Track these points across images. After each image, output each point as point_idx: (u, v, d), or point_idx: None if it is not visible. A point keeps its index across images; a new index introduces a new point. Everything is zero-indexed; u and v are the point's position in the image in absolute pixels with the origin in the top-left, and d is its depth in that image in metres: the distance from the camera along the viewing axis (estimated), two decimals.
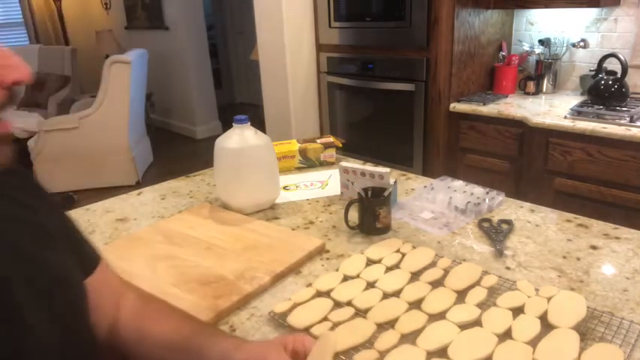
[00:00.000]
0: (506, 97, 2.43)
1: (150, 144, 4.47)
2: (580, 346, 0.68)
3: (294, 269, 0.95)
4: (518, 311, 0.77)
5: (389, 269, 0.91)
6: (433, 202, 1.22)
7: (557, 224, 1.09)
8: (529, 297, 0.80)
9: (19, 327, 0.51)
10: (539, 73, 2.46)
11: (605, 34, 2.31)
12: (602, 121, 1.90)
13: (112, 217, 1.23)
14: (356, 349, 0.71)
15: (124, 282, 0.75)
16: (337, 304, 0.82)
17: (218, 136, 1.21)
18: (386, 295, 0.83)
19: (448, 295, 0.82)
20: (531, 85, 2.44)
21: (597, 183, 1.90)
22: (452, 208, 1.18)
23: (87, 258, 0.69)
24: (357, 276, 0.89)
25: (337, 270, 0.92)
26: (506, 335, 0.72)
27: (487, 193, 1.22)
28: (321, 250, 1.01)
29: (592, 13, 2.32)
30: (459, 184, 1.30)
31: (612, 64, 2.06)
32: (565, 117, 1.97)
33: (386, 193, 1.06)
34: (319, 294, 0.85)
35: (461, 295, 0.82)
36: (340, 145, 1.58)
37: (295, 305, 0.81)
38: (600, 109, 1.98)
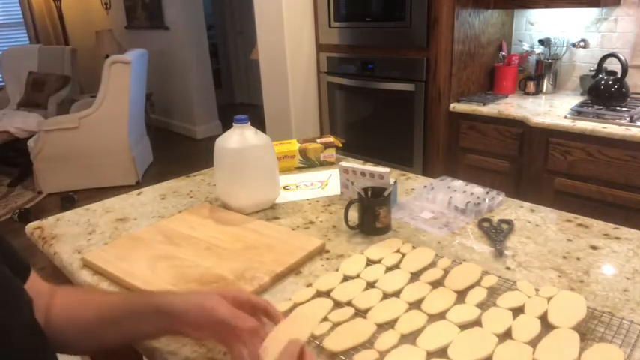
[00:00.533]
0: (506, 97, 2.43)
1: (150, 144, 4.47)
2: (580, 346, 0.68)
3: (295, 269, 0.95)
4: (518, 311, 0.77)
5: (389, 269, 0.91)
6: (433, 202, 1.22)
7: (557, 224, 1.09)
8: (529, 297, 0.80)
9: None
10: (539, 73, 2.46)
11: (605, 34, 2.31)
12: (602, 121, 1.90)
13: (112, 217, 1.23)
14: (356, 349, 0.71)
15: (52, 286, 0.75)
16: (337, 304, 0.82)
17: (218, 136, 1.21)
18: (386, 295, 0.83)
19: (448, 295, 0.82)
20: (531, 85, 2.44)
21: (597, 183, 1.90)
22: (452, 208, 1.18)
23: (19, 266, 0.69)
24: (357, 276, 0.89)
25: (337, 270, 0.92)
26: (506, 335, 0.72)
27: (487, 193, 1.22)
28: (321, 250, 1.01)
29: (592, 13, 2.32)
30: (459, 184, 1.30)
31: (612, 64, 2.06)
32: (565, 117, 1.97)
33: (386, 193, 1.06)
34: (319, 294, 0.85)
35: (461, 295, 0.82)
36: (340, 145, 1.58)
37: (295, 305, 0.81)
38: (600, 109, 1.98)
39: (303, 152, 1.54)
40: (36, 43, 5.54)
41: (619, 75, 2.02)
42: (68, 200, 3.53)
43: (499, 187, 1.28)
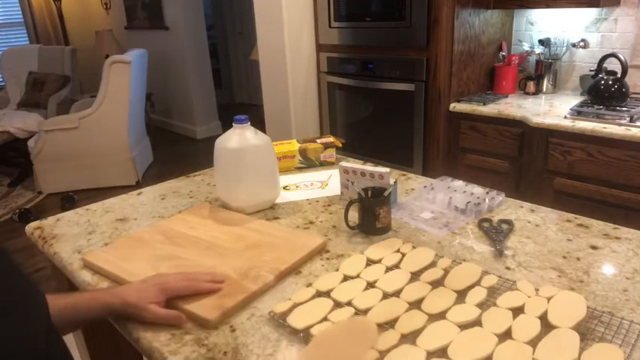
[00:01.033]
0: (506, 97, 2.43)
1: (150, 144, 4.47)
2: (580, 346, 0.68)
3: (298, 267, 0.95)
4: (518, 311, 0.77)
5: (389, 269, 0.91)
6: (433, 202, 1.22)
7: (557, 224, 1.09)
8: (529, 297, 0.80)
9: None
10: (539, 73, 2.46)
11: (605, 34, 2.31)
12: (602, 121, 1.90)
13: (112, 217, 1.23)
14: None
15: None
16: (337, 304, 0.82)
17: (218, 136, 1.21)
18: (386, 295, 0.83)
19: (448, 295, 0.82)
20: (531, 85, 2.44)
21: (597, 183, 1.90)
22: (452, 208, 1.18)
23: None
24: (357, 276, 0.89)
25: (337, 270, 0.92)
26: (506, 335, 0.72)
27: (487, 193, 1.22)
28: (322, 249, 1.02)
29: (592, 13, 2.32)
30: (459, 184, 1.30)
31: (612, 64, 2.06)
32: (565, 117, 1.97)
33: (386, 193, 1.06)
34: (319, 294, 0.85)
35: (461, 295, 0.82)
36: (340, 145, 1.58)
37: (295, 305, 0.81)
38: (600, 109, 1.98)
39: (303, 152, 1.54)
40: (36, 43, 5.54)
41: (619, 75, 2.02)
42: (68, 200, 3.53)
43: (499, 187, 1.28)
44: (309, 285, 0.88)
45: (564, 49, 2.43)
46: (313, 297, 0.84)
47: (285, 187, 1.38)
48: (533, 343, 0.70)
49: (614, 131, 1.80)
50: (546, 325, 0.73)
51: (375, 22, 2.45)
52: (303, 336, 0.75)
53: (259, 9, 2.79)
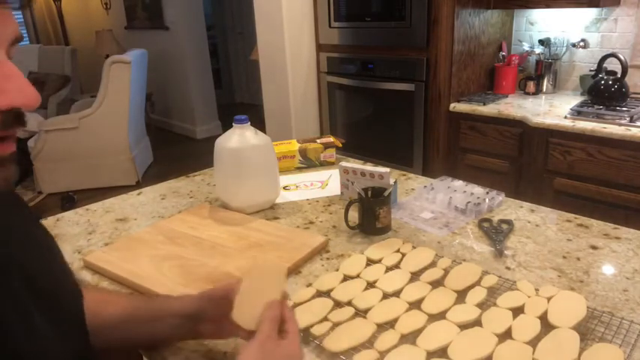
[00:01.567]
0: (506, 97, 2.43)
1: (150, 144, 4.47)
2: (580, 346, 0.68)
3: (300, 266, 0.95)
4: (518, 311, 0.77)
5: (389, 269, 0.91)
6: (433, 202, 1.22)
7: (557, 224, 1.09)
8: (529, 297, 0.80)
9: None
10: (539, 73, 2.46)
11: (605, 34, 2.31)
12: (602, 121, 1.90)
13: (112, 217, 1.23)
14: (356, 349, 0.71)
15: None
16: (337, 304, 0.82)
17: (218, 136, 1.21)
18: (386, 295, 0.83)
19: (448, 295, 0.82)
20: (531, 85, 2.44)
21: (597, 183, 1.90)
22: (452, 208, 1.18)
23: None
24: (357, 276, 0.89)
25: (337, 270, 0.92)
26: (506, 335, 0.72)
27: (487, 193, 1.22)
28: (323, 248, 1.02)
29: (592, 13, 2.32)
30: (459, 184, 1.30)
31: (612, 64, 2.06)
32: (565, 117, 1.97)
33: (386, 193, 1.07)
34: (319, 294, 0.85)
35: (461, 295, 0.82)
36: (340, 145, 1.58)
37: (295, 305, 0.81)
38: (600, 109, 1.98)
39: (303, 152, 1.54)
40: (36, 43, 5.54)
41: (619, 75, 2.02)
42: (68, 200, 3.53)
43: (499, 187, 1.28)
44: (309, 285, 0.88)
45: (564, 49, 2.43)
46: (313, 297, 0.84)
47: (285, 187, 1.38)
48: (533, 343, 0.70)
49: (614, 131, 1.80)
50: (546, 325, 0.73)
51: (375, 22, 2.45)
52: (303, 336, 0.75)
53: (259, 9, 2.79)
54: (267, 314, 0.60)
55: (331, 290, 0.85)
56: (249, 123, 1.18)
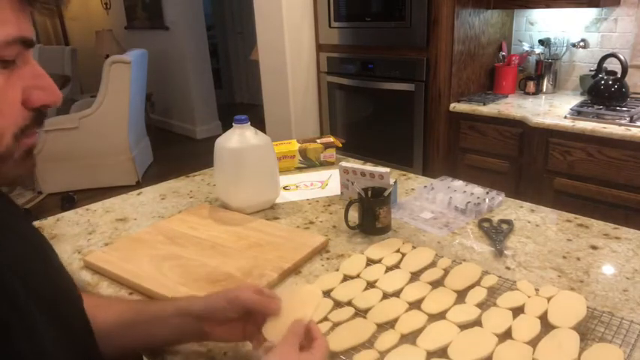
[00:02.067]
0: (506, 97, 2.43)
1: (150, 144, 4.47)
2: (580, 346, 0.68)
3: (300, 265, 0.95)
4: (518, 311, 0.77)
5: (389, 269, 0.91)
6: (433, 202, 1.22)
7: (557, 224, 1.09)
8: (529, 297, 0.80)
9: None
10: (539, 73, 2.46)
11: (605, 34, 2.31)
12: (602, 121, 1.90)
13: (112, 217, 1.23)
14: (356, 349, 0.71)
15: None
16: (337, 304, 0.82)
17: (218, 136, 1.21)
18: (386, 295, 0.83)
19: (448, 295, 0.82)
20: (531, 85, 2.44)
21: (597, 183, 1.90)
22: (452, 208, 1.18)
23: None
24: (357, 276, 0.89)
25: (337, 270, 0.92)
26: (506, 335, 0.72)
27: (487, 193, 1.22)
28: (323, 247, 1.02)
29: (592, 13, 2.32)
30: (459, 184, 1.30)
31: (612, 64, 2.06)
32: (565, 117, 1.97)
33: (386, 193, 1.07)
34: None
35: (461, 295, 0.82)
36: (340, 145, 1.58)
37: None
38: (600, 109, 1.98)
39: (303, 152, 1.54)
40: (36, 43, 5.53)
41: (619, 75, 2.02)
42: (68, 200, 3.53)
43: (499, 187, 1.28)
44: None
45: (564, 49, 2.43)
46: None
47: (285, 187, 1.38)
48: (533, 343, 0.70)
49: (614, 131, 1.80)
50: (546, 325, 0.73)
51: (375, 22, 2.45)
52: None
53: (259, 9, 2.79)
54: (292, 328, 0.61)
55: (331, 290, 0.85)
56: (249, 123, 1.18)
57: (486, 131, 2.22)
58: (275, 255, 0.97)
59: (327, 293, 0.85)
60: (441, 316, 0.77)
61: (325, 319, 0.78)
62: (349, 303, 0.82)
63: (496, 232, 1.05)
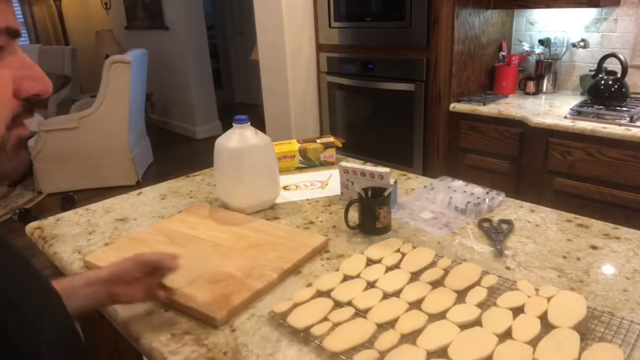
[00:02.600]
0: (506, 97, 2.43)
1: (150, 144, 4.47)
2: (580, 346, 0.68)
3: (300, 265, 0.95)
4: (518, 311, 0.77)
5: (389, 269, 0.91)
6: (433, 202, 1.22)
7: (557, 224, 1.09)
8: (529, 297, 0.80)
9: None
10: (539, 73, 2.46)
11: (605, 34, 2.31)
12: (602, 121, 1.90)
13: (112, 217, 1.23)
14: (356, 349, 0.71)
15: None
16: (337, 304, 0.82)
17: (218, 136, 1.21)
18: (386, 295, 0.83)
19: (448, 295, 0.82)
20: (531, 85, 2.44)
21: (597, 183, 1.90)
22: (452, 208, 1.18)
23: None
24: (358, 276, 0.89)
25: (337, 270, 0.92)
26: (507, 335, 0.72)
27: (487, 193, 1.22)
28: (323, 247, 1.02)
29: (592, 13, 2.32)
30: (459, 184, 1.30)
31: (612, 64, 2.06)
32: (565, 117, 1.97)
33: (386, 193, 1.07)
34: (319, 294, 0.85)
35: (461, 295, 0.82)
36: (340, 145, 1.58)
37: (295, 305, 0.81)
38: (600, 109, 1.98)
39: (303, 152, 1.54)
40: (36, 43, 5.54)
41: (619, 75, 2.02)
42: (68, 200, 3.53)
43: (499, 187, 1.28)
44: (309, 285, 0.88)
45: (564, 49, 2.43)
46: (313, 297, 0.83)
47: (285, 187, 1.38)
48: (534, 342, 0.70)
49: (614, 131, 1.80)
50: (546, 325, 0.73)
51: (375, 22, 2.45)
52: (303, 336, 0.75)
53: (259, 9, 2.79)
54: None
55: (331, 290, 0.85)
56: (249, 123, 1.18)
57: (486, 131, 2.22)
58: (275, 255, 0.97)
59: (327, 293, 0.85)
60: (441, 316, 0.77)
61: (325, 319, 0.77)
62: (349, 303, 0.81)
63: (496, 232, 1.05)
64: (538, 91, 2.46)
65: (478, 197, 1.19)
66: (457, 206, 1.17)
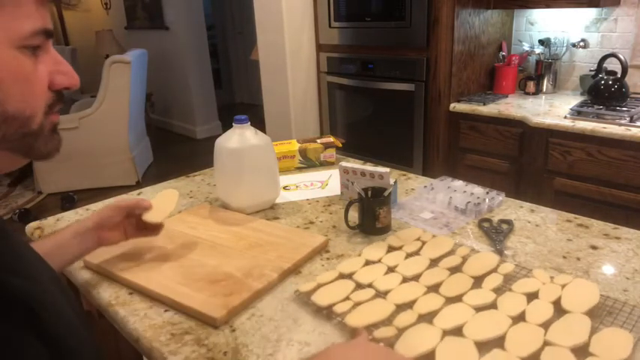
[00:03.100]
0: (506, 97, 2.43)
1: (150, 144, 4.47)
2: (591, 330, 0.70)
3: (300, 265, 0.96)
4: (532, 296, 0.79)
5: (409, 255, 0.94)
6: (433, 202, 1.22)
7: (557, 224, 1.09)
8: (544, 284, 0.82)
9: None
10: (539, 73, 2.46)
11: (605, 34, 2.31)
12: (602, 121, 1.90)
13: None
14: (376, 325, 0.74)
15: None
16: (359, 286, 0.85)
17: (218, 136, 1.21)
18: (405, 279, 0.86)
19: (465, 280, 0.84)
20: (531, 85, 2.44)
21: (597, 183, 1.90)
22: (452, 208, 1.18)
23: None
24: (379, 261, 0.93)
25: (360, 255, 0.95)
26: (520, 318, 0.74)
27: (487, 193, 1.22)
28: (323, 247, 1.02)
29: (592, 13, 2.32)
30: (459, 184, 1.30)
31: (612, 64, 2.06)
32: (565, 117, 1.97)
33: (386, 193, 1.07)
34: (342, 276, 0.88)
35: (477, 281, 0.84)
36: (340, 145, 1.58)
37: (319, 285, 0.85)
38: (600, 109, 1.98)
39: (303, 152, 1.54)
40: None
41: (619, 75, 2.02)
42: (68, 200, 3.53)
43: (499, 187, 1.28)
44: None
45: (564, 49, 2.43)
46: (336, 279, 0.87)
47: (285, 187, 1.38)
48: (546, 325, 0.71)
49: (614, 131, 1.80)
50: (559, 310, 0.75)
51: (375, 22, 2.45)
52: (326, 313, 0.79)
53: (259, 9, 2.79)
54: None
55: (353, 273, 0.88)
56: (249, 123, 1.18)
57: (486, 131, 2.22)
58: (275, 255, 0.97)
59: (349, 276, 0.88)
60: (458, 299, 0.80)
61: (347, 298, 0.81)
62: (370, 285, 0.85)
63: (496, 232, 1.05)
64: (538, 91, 2.46)
65: (478, 197, 1.19)
66: (457, 206, 1.17)
